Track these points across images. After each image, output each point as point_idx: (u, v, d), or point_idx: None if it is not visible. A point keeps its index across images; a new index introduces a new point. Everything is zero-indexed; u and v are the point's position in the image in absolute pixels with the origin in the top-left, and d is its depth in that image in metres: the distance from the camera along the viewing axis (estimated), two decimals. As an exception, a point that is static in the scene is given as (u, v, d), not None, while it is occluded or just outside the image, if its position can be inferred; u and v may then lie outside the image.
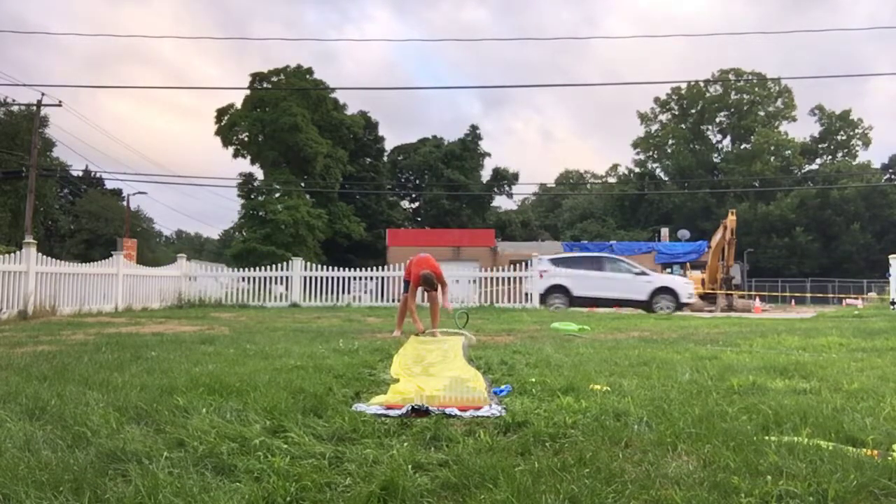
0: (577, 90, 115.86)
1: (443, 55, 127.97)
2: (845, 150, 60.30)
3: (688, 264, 30.98)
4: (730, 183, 55.56)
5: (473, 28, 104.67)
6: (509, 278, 18.11)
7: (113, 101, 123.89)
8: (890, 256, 18.59)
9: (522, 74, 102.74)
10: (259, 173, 49.71)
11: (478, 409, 3.37)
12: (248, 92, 47.89)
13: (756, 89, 58.96)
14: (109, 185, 55.37)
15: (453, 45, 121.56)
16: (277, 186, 44.95)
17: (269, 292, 18.22)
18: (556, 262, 17.96)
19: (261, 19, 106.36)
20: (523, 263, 18.39)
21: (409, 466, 2.41)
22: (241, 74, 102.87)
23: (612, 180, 69.45)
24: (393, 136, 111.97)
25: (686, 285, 17.64)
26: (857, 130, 59.77)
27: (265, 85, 48.54)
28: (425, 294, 8.76)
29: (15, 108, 38.49)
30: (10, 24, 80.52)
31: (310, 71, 49.97)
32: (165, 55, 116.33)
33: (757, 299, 22.89)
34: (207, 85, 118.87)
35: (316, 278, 18.11)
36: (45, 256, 11.89)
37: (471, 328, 9.18)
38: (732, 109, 60.49)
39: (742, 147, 59.21)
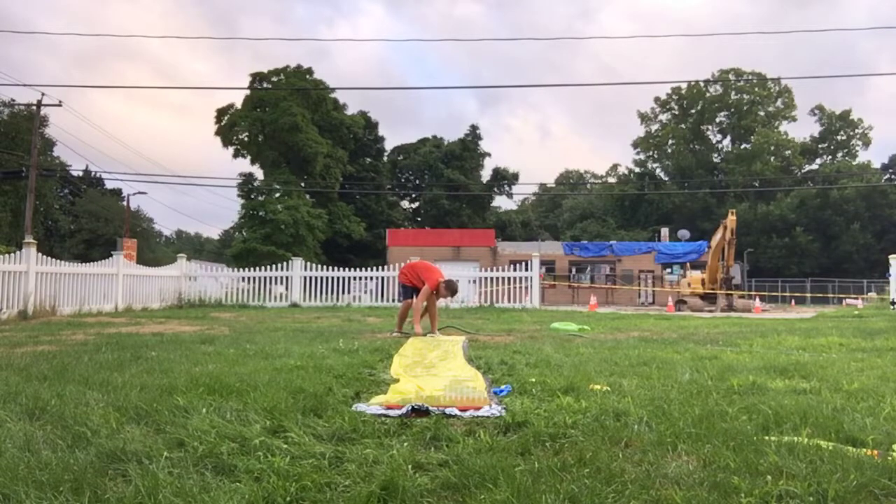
0: (575, 86, 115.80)
1: (436, 51, 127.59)
2: (845, 150, 60.33)
3: (688, 264, 30.96)
4: (730, 183, 55.54)
5: (467, 23, 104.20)
6: (509, 278, 18.12)
7: (103, 98, 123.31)
8: (890, 256, 18.60)
9: (517, 70, 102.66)
10: (259, 173, 49.80)
11: (478, 409, 3.37)
12: (247, 92, 47.93)
13: (756, 89, 58.95)
14: (109, 185, 55.49)
15: (450, 42, 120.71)
16: (277, 186, 44.95)
17: (269, 292, 18.23)
18: None
19: (249, 14, 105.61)
20: (523, 263, 18.41)
21: (409, 466, 2.41)
22: (231, 70, 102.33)
23: (612, 180, 69.51)
24: (386, 132, 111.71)
25: None
26: (857, 130, 59.85)
27: (265, 85, 48.54)
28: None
29: (16, 109, 38.52)
30: (-1, 22, 79.69)
31: (310, 71, 50.00)
32: (154, 51, 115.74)
33: (757, 299, 22.86)
34: (200, 84, 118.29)
35: (316, 278, 18.11)
36: (45, 256, 11.89)
37: (471, 328, 9.18)
38: (732, 109, 60.48)
39: (742, 147, 59.20)
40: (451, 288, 8.15)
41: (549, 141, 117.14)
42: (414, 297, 8.15)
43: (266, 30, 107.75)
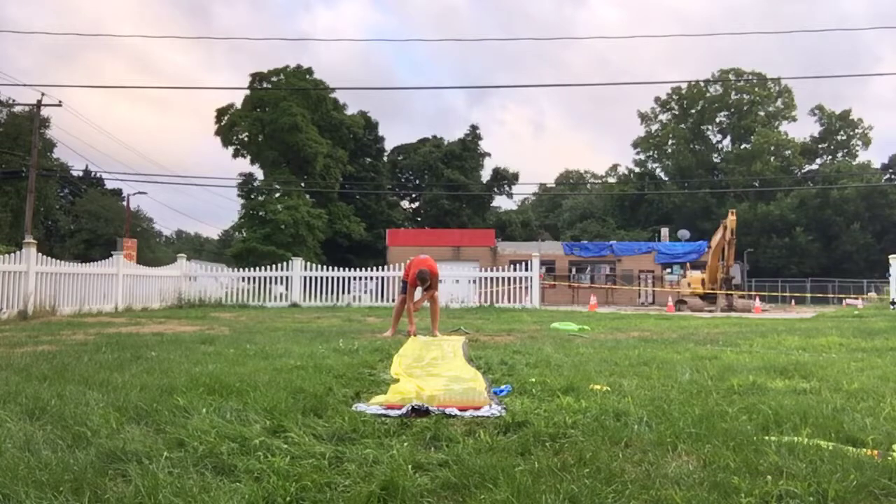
0: (568, 79, 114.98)
1: (423, 40, 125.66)
2: (845, 150, 60.33)
3: (688, 264, 30.96)
4: (730, 183, 55.56)
5: (453, 12, 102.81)
6: (509, 278, 18.12)
7: (81, 93, 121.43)
8: (890, 256, 18.59)
9: (508, 61, 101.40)
10: (259, 173, 49.82)
11: (478, 409, 3.37)
12: (246, 91, 47.93)
13: (756, 89, 58.96)
14: (109, 185, 55.48)
15: (435, 32, 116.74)
16: (277, 186, 44.96)
17: (269, 292, 18.24)
18: None
19: (225, 0, 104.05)
20: (523, 263, 18.41)
21: (409, 466, 2.40)
22: (210, 61, 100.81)
23: (612, 180, 69.50)
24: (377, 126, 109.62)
25: None
26: (857, 130, 59.84)
27: (265, 85, 48.57)
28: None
29: (17, 109, 38.53)
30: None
31: (309, 71, 50.01)
32: (130, 42, 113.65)
33: (757, 299, 22.84)
34: (187, 79, 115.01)
35: (316, 278, 18.12)
36: (45, 256, 11.89)
37: (471, 328, 9.19)
38: (732, 109, 60.49)
39: (742, 147, 59.17)
40: (419, 277, 8.06)
41: (544, 134, 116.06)
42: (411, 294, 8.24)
43: (243, 18, 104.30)
